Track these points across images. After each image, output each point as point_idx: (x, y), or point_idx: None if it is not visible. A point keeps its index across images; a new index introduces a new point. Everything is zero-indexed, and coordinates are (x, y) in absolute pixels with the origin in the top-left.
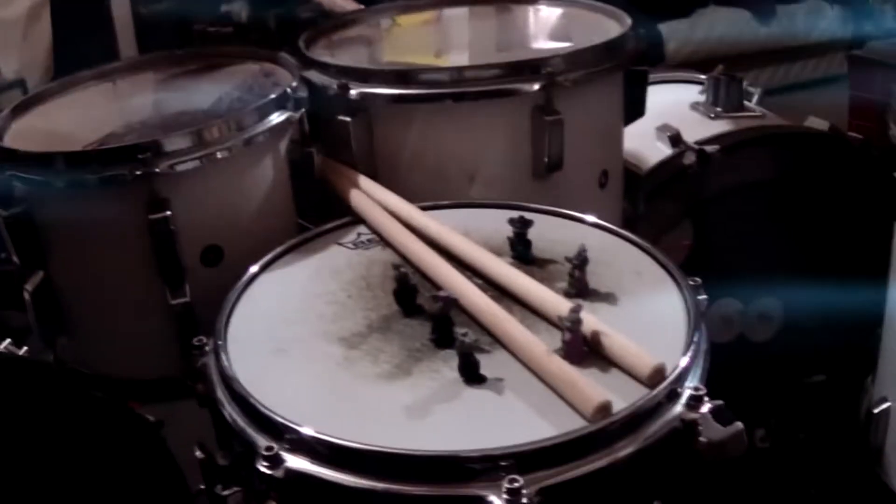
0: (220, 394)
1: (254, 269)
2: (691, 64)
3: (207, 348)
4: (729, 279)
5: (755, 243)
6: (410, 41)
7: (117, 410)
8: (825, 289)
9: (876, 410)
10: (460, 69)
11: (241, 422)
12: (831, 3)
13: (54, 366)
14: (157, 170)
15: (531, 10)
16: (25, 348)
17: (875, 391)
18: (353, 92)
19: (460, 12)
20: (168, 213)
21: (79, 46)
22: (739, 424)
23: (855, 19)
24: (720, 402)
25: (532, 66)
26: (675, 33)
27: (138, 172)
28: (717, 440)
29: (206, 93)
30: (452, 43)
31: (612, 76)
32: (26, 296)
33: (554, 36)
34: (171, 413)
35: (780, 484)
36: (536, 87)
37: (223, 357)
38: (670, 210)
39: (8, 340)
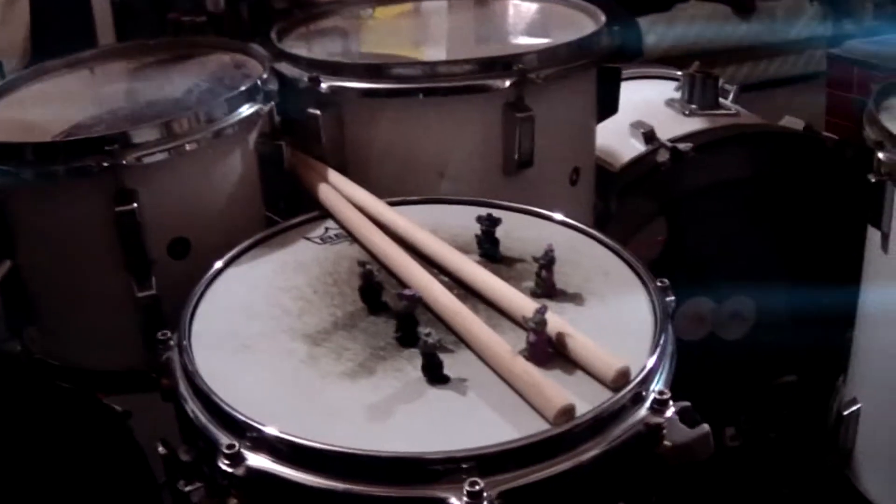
0: (183, 389)
1: (219, 263)
2: (670, 58)
3: (172, 343)
4: (702, 277)
5: (729, 242)
6: (387, 33)
7: (84, 401)
8: (798, 289)
9: (846, 412)
10: (432, 64)
11: (203, 418)
12: (811, 1)
13: (21, 356)
14: (124, 161)
15: (510, 4)
16: None
17: (846, 392)
18: (323, 85)
19: (439, 5)
20: (135, 205)
21: (57, 30)
22: (706, 427)
23: (835, 17)
24: (686, 403)
25: (504, 63)
26: (654, 27)
27: (105, 164)
28: (683, 443)
29: (176, 83)
30: (430, 36)
31: (585, 73)
32: None
33: (531, 31)
34: (138, 404)
35: (750, 483)
36: (508, 83)
37: (187, 352)
38: (643, 207)
39: None
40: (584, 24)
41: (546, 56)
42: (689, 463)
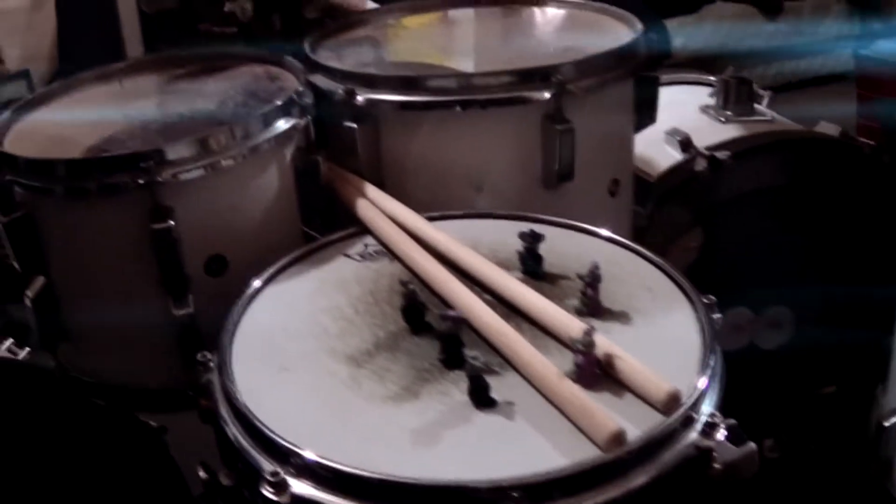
0: (224, 412)
1: (258, 282)
2: (698, 60)
3: (212, 364)
4: (740, 287)
5: (766, 250)
6: (419, 43)
7: (118, 417)
8: (836, 297)
9: (887, 423)
10: (469, 76)
11: (245, 443)
12: None
13: (56, 372)
14: (159, 178)
15: (538, 11)
16: (28, 349)
17: (886, 403)
18: (359, 98)
19: (467, 13)
20: (171, 222)
21: (83, 37)
22: (752, 445)
23: (861, 15)
24: (733, 421)
25: (542, 74)
26: (682, 29)
27: (141, 181)
28: (731, 461)
29: (209, 96)
30: (460, 45)
31: (623, 83)
32: (27, 302)
33: (561, 38)
34: (172, 421)
35: (789, 494)
36: (547, 95)
37: (227, 375)
38: (681, 216)
39: (10, 341)
40: (614, 30)
41: (585, 66)
42: (735, 482)
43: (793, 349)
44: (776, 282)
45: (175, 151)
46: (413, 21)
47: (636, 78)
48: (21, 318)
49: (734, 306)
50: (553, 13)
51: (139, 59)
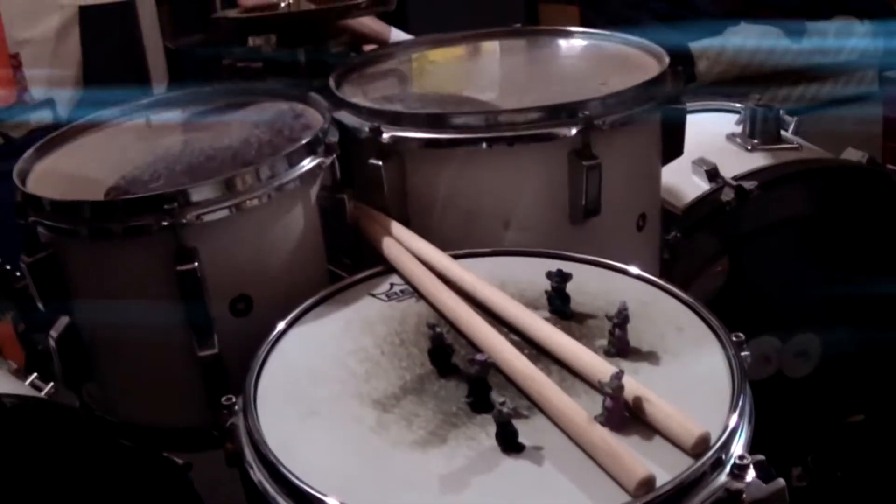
0: (249, 457)
1: (282, 324)
2: (722, 82)
3: (237, 408)
4: (767, 315)
5: (794, 279)
6: (444, 77)
7: (144, 455)
8: (864, 326)
9: None
10: (495, 113)
11: (271, 489)
12: (861, 20)
13: (80, 412)
14: (184, 220)
15: (563, 43)
16: (52, 384)
17: None
18: (385, 135)
19: (492, 46)
20: (196, 263)
21: (108, 67)
22: (781, 481)
23: (886, 36)
24: (761, 457)
25: (569, 110)
26: (705, 52)
27: (165, 223)
28: (760, 499)
29: (233, 134)
30: (485, 78)
31: (650, 116)
32: (51, 342)
33: (587, 71)
34: (198, 459)
35: None
36: (574, 131)
37: (252, 419)
38: (708, 246)
39: (34, 375)
40: (639, 62)
41: (612, 101)
42: None
43: (820, 377)
44: (804, 310)
45: (199, 193)
46: (438, 54)
47: (663, 110)
48: (46, 350)
49: (761, 335)
50: (577, 44)
51: (164, 97)
